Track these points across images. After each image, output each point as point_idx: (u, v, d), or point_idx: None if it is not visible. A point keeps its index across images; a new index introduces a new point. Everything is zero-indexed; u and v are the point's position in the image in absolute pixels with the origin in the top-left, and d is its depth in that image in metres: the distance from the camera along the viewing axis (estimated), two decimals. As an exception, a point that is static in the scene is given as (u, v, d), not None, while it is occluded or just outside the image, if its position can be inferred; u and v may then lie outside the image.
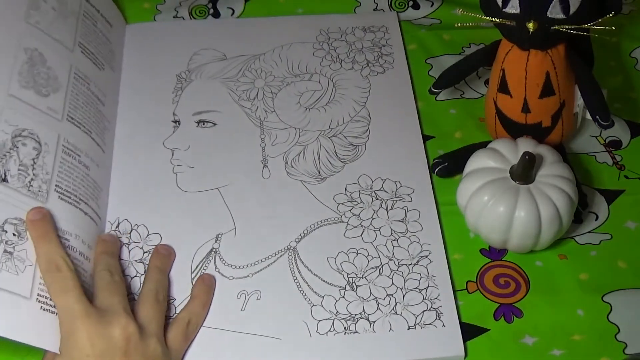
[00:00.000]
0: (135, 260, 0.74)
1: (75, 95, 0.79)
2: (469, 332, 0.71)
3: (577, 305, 0.72)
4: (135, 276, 0.73)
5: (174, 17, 0.95)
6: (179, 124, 0.84)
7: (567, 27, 0.70)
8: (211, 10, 0.96)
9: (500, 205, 0.70)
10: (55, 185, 0.72)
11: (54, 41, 0.81)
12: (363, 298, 0.72)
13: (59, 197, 0.71)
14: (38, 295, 0.65)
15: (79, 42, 0.84)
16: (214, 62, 0.90)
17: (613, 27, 0.69)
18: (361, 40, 0.93)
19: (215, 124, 0.84)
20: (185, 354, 0.69)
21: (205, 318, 0.71)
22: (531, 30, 0.70)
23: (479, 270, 0.74)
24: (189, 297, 0.72)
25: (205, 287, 0.72)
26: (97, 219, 0.75)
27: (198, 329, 0.70)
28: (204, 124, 0.84)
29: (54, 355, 0.64)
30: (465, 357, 0.69)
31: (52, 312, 0.65)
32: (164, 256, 0.74)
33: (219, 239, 0.76)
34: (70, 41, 0.83)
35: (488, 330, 0.71)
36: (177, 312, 0.71)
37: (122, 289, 0.69)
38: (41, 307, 0.65)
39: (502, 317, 0.72)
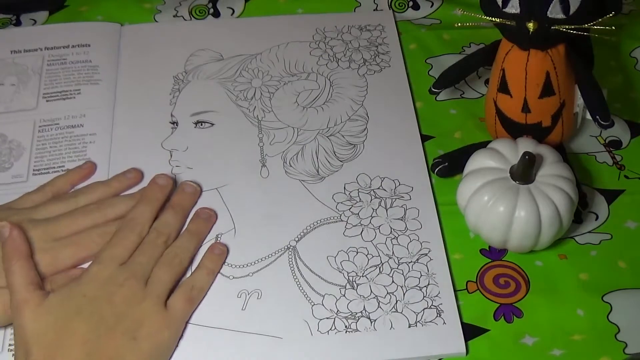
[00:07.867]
0: (135, 260, 0.74)
1: (42, 144, 0.82)
2: (469, 332, 0.70)
3: (577, 305, 0.72)
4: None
5: (173, 16, 0.95)
6: (177, 125, 0.84)
7: (567, 27, 0.70)
8: (211, 10, 0.96)
9: (500, 205, 0.70)
10: None
11: (15, 113, 0.85)
12: (364, 296, 0.72)
13: None
14: (9, 345, 0.69)
15: (42, 94, 0.86)
16: (211, 62, 0.90)
17: (613, 27, 0.69)
18: (357, 39, 0.93)
19: (213, 124, 0.84)
20: (187, 350, 0.69)
21: (211, 284, 0.72)
22: (531, 30, 0.70)
23: (479, 271, 0.74)
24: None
25: (213, 256, 0.73)
26: None
27: (203, 294, 0.71)
28: (202, 125, 0.84)
29: None
30: (466, 355, 0.69)
31: None
32: (202, 220, 0.76)
33: (218, 238, 0.76)
34: (33, 100, 0.86)
35: (488, 330, 0.71)
36: None
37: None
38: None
39: (502, 317, 0.71)
